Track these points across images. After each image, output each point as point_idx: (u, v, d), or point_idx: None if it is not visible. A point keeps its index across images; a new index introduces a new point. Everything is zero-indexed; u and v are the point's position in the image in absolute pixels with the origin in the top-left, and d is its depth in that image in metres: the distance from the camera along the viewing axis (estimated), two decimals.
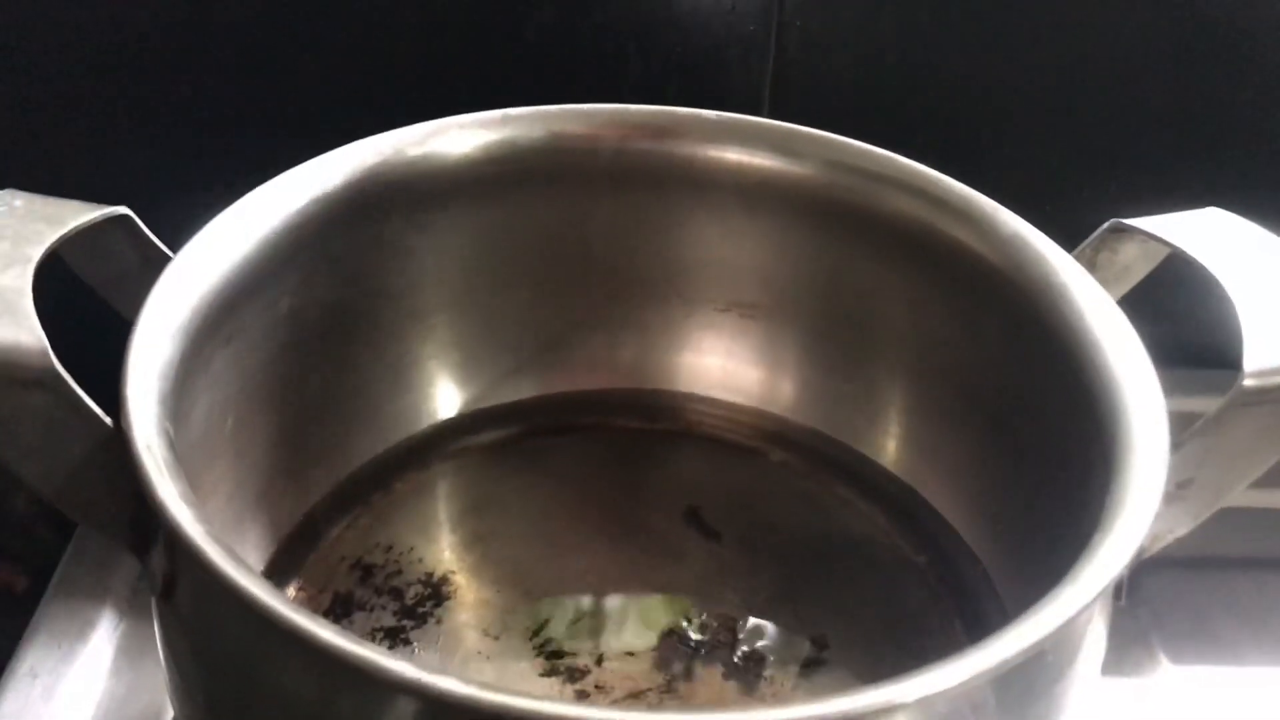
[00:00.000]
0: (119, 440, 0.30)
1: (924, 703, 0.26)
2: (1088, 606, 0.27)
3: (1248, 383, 0.32)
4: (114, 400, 0.31)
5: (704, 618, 0.41)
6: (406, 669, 0.25)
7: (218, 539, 0.28)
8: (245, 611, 0.27)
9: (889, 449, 0.45)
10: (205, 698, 0.31)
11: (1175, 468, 0.32)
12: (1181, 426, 0.33)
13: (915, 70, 0.54)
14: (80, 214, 0.34)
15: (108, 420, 0.31)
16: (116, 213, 0.36)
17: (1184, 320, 0.44)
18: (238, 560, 0.27)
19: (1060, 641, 0.29)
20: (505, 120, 0.43)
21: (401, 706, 0.26)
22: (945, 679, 0.25)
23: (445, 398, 0.47)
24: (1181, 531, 0.33)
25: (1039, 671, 0.29)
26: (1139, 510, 0.29)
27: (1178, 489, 0.32)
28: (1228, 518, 0.52)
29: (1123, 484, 0.30)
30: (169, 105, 0.52)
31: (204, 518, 0.28)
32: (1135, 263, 0.39)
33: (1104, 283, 0.37)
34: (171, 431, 0.31)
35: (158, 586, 0.31)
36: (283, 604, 0.26)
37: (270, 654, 0.28)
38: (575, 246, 0.47)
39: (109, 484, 0.31)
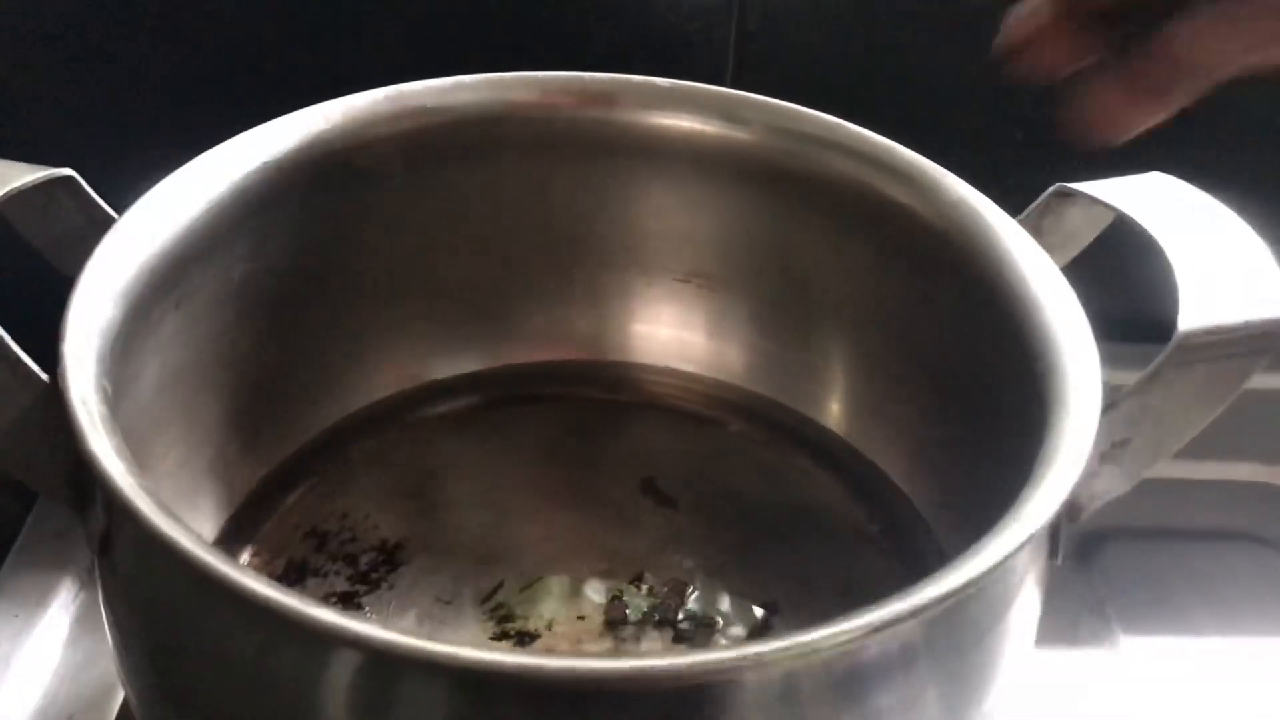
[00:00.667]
0: (56, 396, 0.30)
1: (849, 645, 0.26)
2: (1014, 553, 0.27)
3: (1182, 341, 0.32)
4: (53, 359, 0.31)
5: (655, 584, 0.42)
6: (337, 619, 0.25)
7: (151, 492, 0.28)
8: (179, 565, 0.27)
9: (840, 416, 0.46)
10: (146, 653, 0.31)
11: (1111, 427, 0.32)
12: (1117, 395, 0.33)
13: (875, 42, 0.54)
14: (23, 174, 0.34)
15: (44, 377, 0.31)
16: (60, 174, 0.35)
17: (1129, 294, 0.44)
18: (170, 513, 0.27)
19: (989, 588, 0.29)
20: (456, 87, 0.43)
21: (338, 659, 0.26)
22: (868, 619, 0.26)
23: (402, 367, 0.47)
24: (1120, 490, 0.34)
25: (968, 620, 0.29)
26: (1068, 463, 0.29)
27: (1114, 448, 0.33)
28: (1183, 489, 0.53)
29: (1055, 440, 0.30)
30: (119, 69, 0.52)
31: (139, 473, 0.28)
32: (1081, 228, 0.39)
33: (1050, 248, 0.38)
34: (109, 389, 0.31)
35: (95, 543, 0.31)
36: (214, 556, 0.26)
37: (206, 607, 0.28)
38: (532, 216, 0.47)
39: (47, 441, 0.31)
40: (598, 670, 0.25)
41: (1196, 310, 0.32)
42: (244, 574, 0.26)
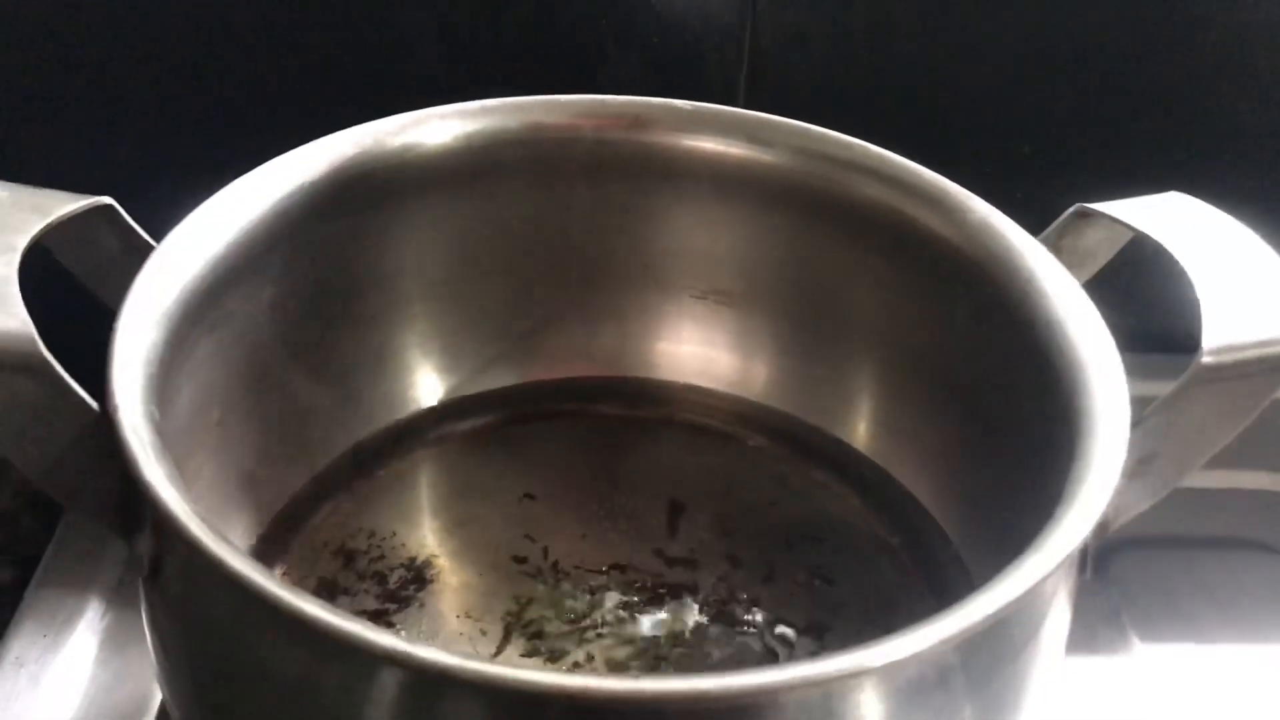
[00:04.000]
0: (105, 424, 0.30)
1: (890, 669, 0.27)
2: (1050, 575, 0.28)
3: (1206, 360, 0.32)
4: (99, 387, 0.31)
5: (682, 601, 0.42)
6: (389, 640, 0.26)
7: (204, 518, 0.28)
8: (232, 588, 0.27)
9: (862, 432, 0.46)
10: (192, 677, 0.31)
11: (1137, 444, 0.33)
12: (1143, 408, 0.34)
13: (888, 60, 0.55)
14: (65, 204, 0.35)
15: (94, 405, 0.32)
16: (100, 202, 0.36)
17: (1148, 305, 0.45)
18: (224, 539, 0.28)
19: (1024, 609, 0.29)
20: (484, 111, 0.44)
21: (385, 678, 0.27)
22: (909, 645, 0.26)
23: (427, 385, 0.48)
24: (1144, 506, 0.34)
25: (1003, 640, 0.30)
26: (1100, 482, 0.30)
27: (1139, 465, 0.33)
28: (1197, 499, 0.54)
29: (1085, 458, 0.31)
30: (153, 97, 0.53)
31: (190, 498, 0.29)
32: (1100, 246, 0.39)
33: (1070, 266, 0.38)
34: (157, 415, 0.31)
35: (145, 568, 0.31)
36: (268, 580, 0.27)
37: (256, 629, 0.29)
38: (554, 235, 0.47)
39: (96, 468, 0.31)
40: (647, 691, 0.26)
41: (1219, 329, 0.33)
42: (295, 594, 0.27)
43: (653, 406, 0.49)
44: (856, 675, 0.27)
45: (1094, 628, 0.50)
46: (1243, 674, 0.48)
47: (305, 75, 0.53)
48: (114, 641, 0.46)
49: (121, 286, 0.34)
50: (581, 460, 0.47)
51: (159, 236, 0.37)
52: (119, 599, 0.47)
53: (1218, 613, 0.50)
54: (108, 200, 0.36)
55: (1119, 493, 0.33)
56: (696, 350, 0.49)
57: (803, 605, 0.42)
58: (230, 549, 0.28)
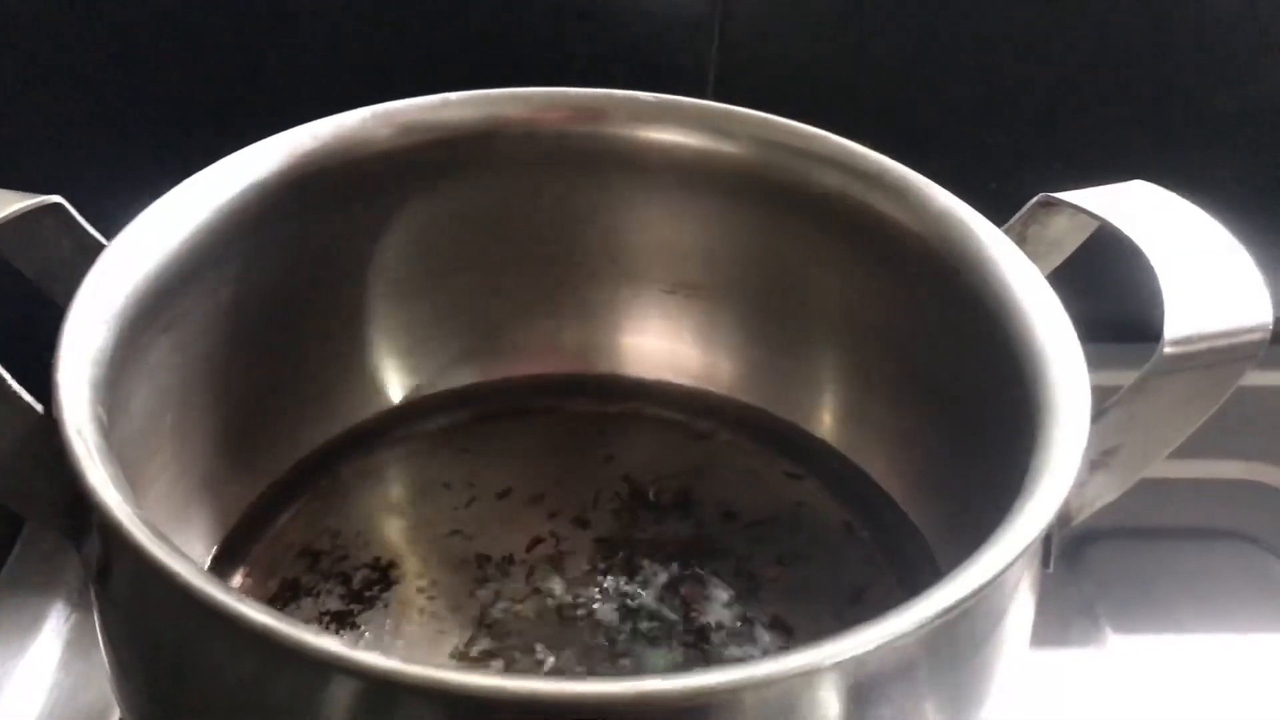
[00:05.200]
0: (51, 427, 0.30)
1: (847, 665, 0.26)
2: (1009, 568, 0.28)
3: (1168, 350, 0.32)
4: (46, 389, 0.31)
5: (651, 596, 0.42)
6: (334, 646, 0.25)
7: (149, 523, 0.28)
8: (176, 593, 0.27)
9: (831, 424, 0.46)
10: (144, 680, 0.31)
11: (1100, 435, 0.33)
12: (1107, 398, 0.34)
13: (857, 51, 0.54)
14: (13, 203, 0.34)
15: (38, 407, 0.31)
16: (49, 201, 0.35)
17: (1115, 293, 0.44)
18: (168, 543, 0.27)
19: (983, 603, 0.29)
20: (444, 105, 0.43)
21: (332, 684, 0.27)
22: (864, 641, 0.26)
23: (392, 384, 0.47)
24: (1110, 497, 0.34)
25: (964, 633, 0.29)
26: (1059, 475, 0.30)
27: (1103, 456, 0.33)
28: (1170, 489, 0.54)
29: (1045, 451, 0.31)
30: (103, 94, 0.52)
31: (135, 501, 0.28)
32: (1065, 236, 0.39)
33: (1035, 256, 0.38)
34: (105, 417, 0.31)
35: (93, 572, 0.31)
36: (212, 585, 0.26)
37: (204, 635, 0.28)
38: (520, 230, 0.47)
39: (42, 471, 0.31)
40: (599, 694, 0.25)
41: (1182, 318, 0.33)
42: (241, 601, 0.26)
43: (621, 401, 0.49)
44: (816, 671, 0.26)
45: (1068, 619, 0.50)
46: (1216, 664, 0.48)
47: (265, 70, 0.52)
48: (79, 645, 0.46)
49: (72, 286, 0.34)
50: (550, 456, 0.47)
51: (111, 236, 0.36)
52: (84, 603, 0.47)
53: (1191, 603, 0.50)
54: (57, 199, 0.36)
55: (1083, 484, 0.33)
56: (664, 344, 0.48)
57: (771, 597, 0.42)
58: (176, 554, 0.27)
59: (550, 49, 0.54)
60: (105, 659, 0.32)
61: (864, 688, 0.28)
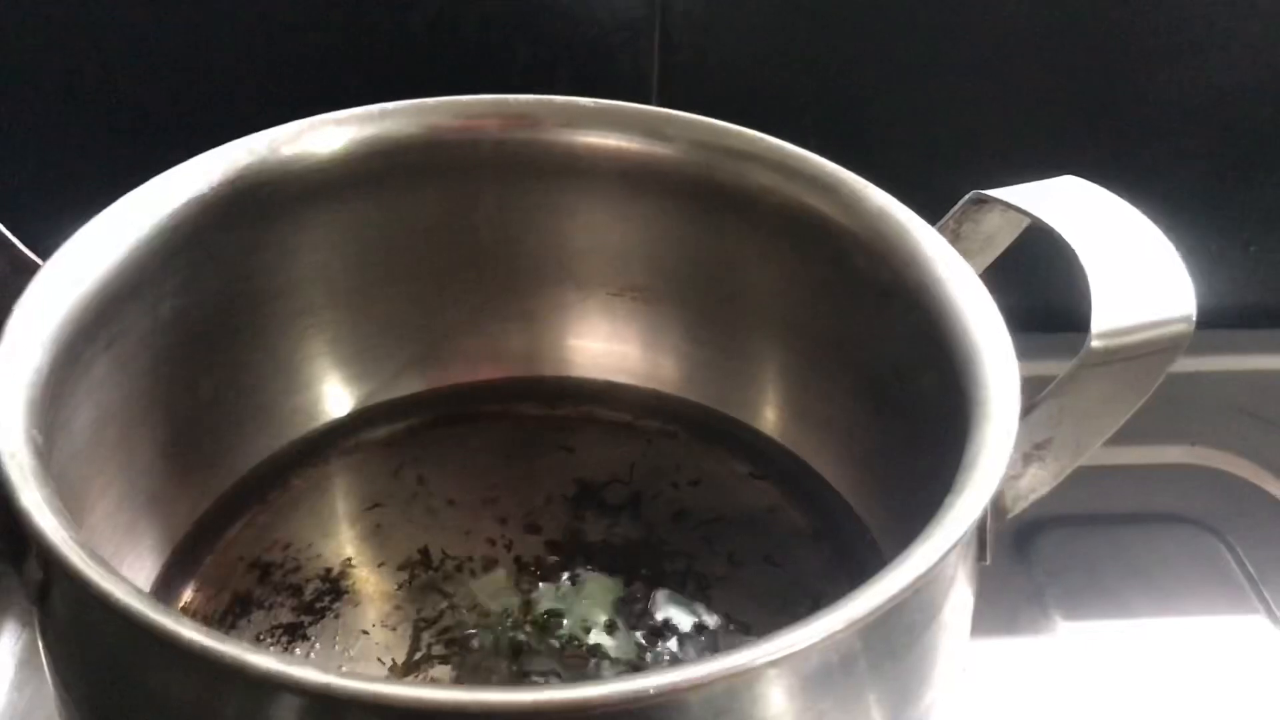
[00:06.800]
0: None
1: (793, 658, 0.27)
2: (940, 561, 0.28)
3: (1095, 344, 0.33)
4: None
5: (601, 598, 0.42)
6: (271, 663, 0.25)
7: (86, 546, 0.28)
8: (116, 616, 0.27)
9: (776, 421, 0.46)
10: (86, 701, 0.31)
11: (1031, 429, 0.33)
12: (1041, 388, 0.34)
13: (797, 53, 0.55)
14: None
15: None
16: None
17: (1049, 284, 0.45)
18: (105, 566, 0.27)
19: (920, 596, 0.30)
20: (383, 114, 0.43)
21: (274, 701, 0.27)
22: (809, 635, 0.27)
23: (340, 394, 0.48)
24: (1045, 489, 0.35)
25: (900, 624, 0.30)
26: (989, 470, 0.30)
27: (1036, 449, 0.34)
28: (1116, 475, 0.55)
29: (976, 445, 0.31)
30: (35, 113, 0.52)
31: (72, 525, 0.29)
32: (998, 232, 0.40)
33: (969, 253, 0.39)
34: (40, 439, 0.31)
35: (33, 594, 0.31)
36: (150, 607, 0.27)
37: (144, 657, 0.28)
38: (463, 237, 0.47)
39: None
40: (543, 701, 0.26)
41: (1108, 313, 0.33)
42: (180, 623, 0.26)
43: (571, 404, 0.49)
44: (753, 670, 0.27)
45: (1017, 607, 0.50)
46: (1165, 648, 0.49)
47: (202, 81, 0.52)
48: (30, 664, 0.45)
49: (7, 307, 0.34)
50: (499, 461, 0.47)
51: (47, 255, 0.36)
52: (34, 622, 0.47)
53: (1139, 588, 0.51)
54: None
55: (1017, 477, 0.34)
56: (611, 347, 0.49)
57: (726, 600, 0.42)
58: (114, 577, 0.27)
59: (493, 56, 0.54)
60: (50, 681, 0.32)
61: (807, 681, 0.29)
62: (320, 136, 0.42)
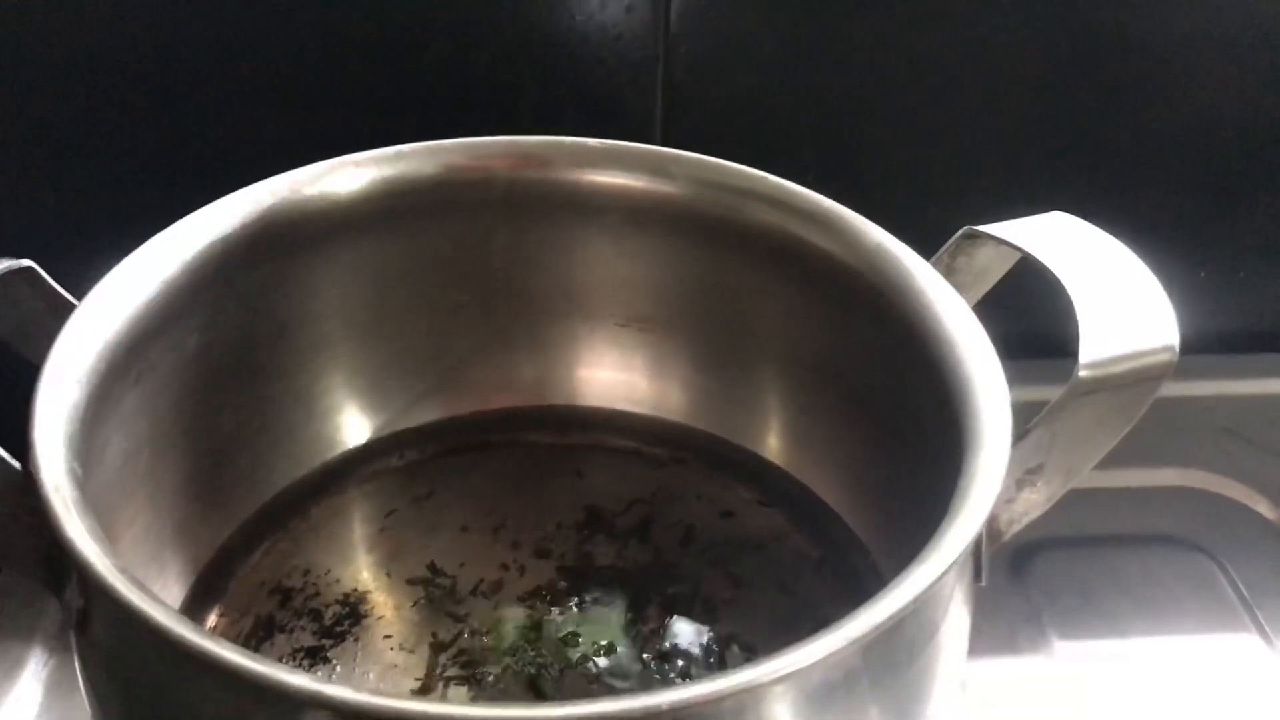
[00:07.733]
0: (28, 482, 0.31)
1: (796, 676, 0.28)
2: (937, 582, 0.29)
3: (1083, 374, 0.34)
4: (23, 445, 0.32)
5: (612, 622, 0.43)
6: (305, 682, 0.27)
7: (126, 572, 0.29)
8: (154, 637, 0.28)
9: (779, 448, 0.48)
10: None
11: (1023, 455, 0.35)
12: (1034, 413, 0.36)
13: (796, 93, 0.57)
14: None
15: (16, 464, 0.33)
16: (20, 265, 0.37)
17: (1039, 312, 0.46)
18: (146, 591, 0.29)
19: (918, 615, 0.31)
20: (398, 156, 0.45)
21: (306, 718, 0.28)
22: (811, 653, 0.28)
23: (357, 424, 0.49)
24: (1037, 513, 0.36)
25: (900, 643, 0.31)
26: (982, 494, 0.32)
27: (1027, 474, 0.35)
28: (1111, 497, 0.56)
29: (970, 472, 0.33)
30: (69, 157, 0.53)
31: (113, 552, 0.30)
32: (990, 265, 0.41)
33: (963, 286, 0.40)
34: (79, 471, 0.32)
35: (73, 621, 0.32)
36: (187, 628, 0.28)
37: (184, 679, 0.30)
38: (476, 272, 0.48)
39: (21, 525, 0.32)
40: (558, 717, 0.27)
41: (1095, 344, 0.35)
42: (215, 643, 0.28)
43: (580, 433, 0.51)
44: (758, 688, 0.28)
45: (1015, 627, 0.51)
46: (1159, 666, 0.50)
47: (223, 127, 0.54)
48: (58, 690, 0.47)
49: (45, 346, 0.35)
50: (510, 488, 0.49)
51: (81, 294, 0.38)
52: (63, 647, 0.48)
53: (1133, 608, 0.52)
54: (28, 262, 0.37)
55: (1010, 501, 0.35)
56: (619, 376, 0.50)
57: (732, 624, 0.43)
58: (152, 600, 0.29)
59: (502, 96, 0.56)
60: (87, 702, 0.34)
61: (811, 698, 0.30)
62: (340, 177, 0.44)
